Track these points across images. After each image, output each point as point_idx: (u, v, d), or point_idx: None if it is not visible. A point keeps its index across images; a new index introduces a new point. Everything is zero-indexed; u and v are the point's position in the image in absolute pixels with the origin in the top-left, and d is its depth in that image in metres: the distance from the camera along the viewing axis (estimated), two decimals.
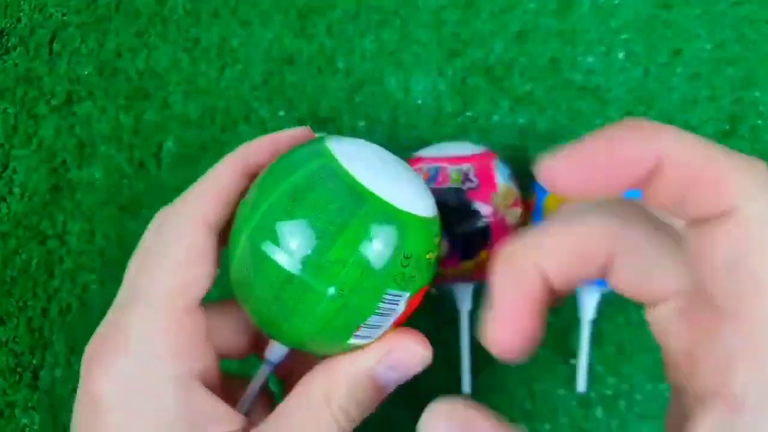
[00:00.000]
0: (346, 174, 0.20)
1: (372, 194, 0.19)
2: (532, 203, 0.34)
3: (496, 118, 0.39)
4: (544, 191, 0.33)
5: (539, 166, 0.16)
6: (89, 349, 0.21)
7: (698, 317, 0.15)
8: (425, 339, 0.21)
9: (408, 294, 0.20)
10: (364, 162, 0.20)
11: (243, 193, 0.22)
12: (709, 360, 0.14)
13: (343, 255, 0.19)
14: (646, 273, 0.16)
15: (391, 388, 0.22)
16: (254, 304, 0.21)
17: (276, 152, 0.23)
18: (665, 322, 0.16)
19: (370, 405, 0.21)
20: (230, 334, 0.25)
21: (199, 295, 0.21)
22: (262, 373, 0.24)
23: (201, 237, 0.21)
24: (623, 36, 0.39)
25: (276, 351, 0.23)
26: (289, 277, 0.19)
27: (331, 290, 0.19)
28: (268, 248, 0.19)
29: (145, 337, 0.20)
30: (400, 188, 0.20)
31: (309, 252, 0.19)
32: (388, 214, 0.20)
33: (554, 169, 0.16)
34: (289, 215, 0.19)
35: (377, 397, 0.21)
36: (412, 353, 0.21)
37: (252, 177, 0.22)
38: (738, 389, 0.13)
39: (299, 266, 0.19)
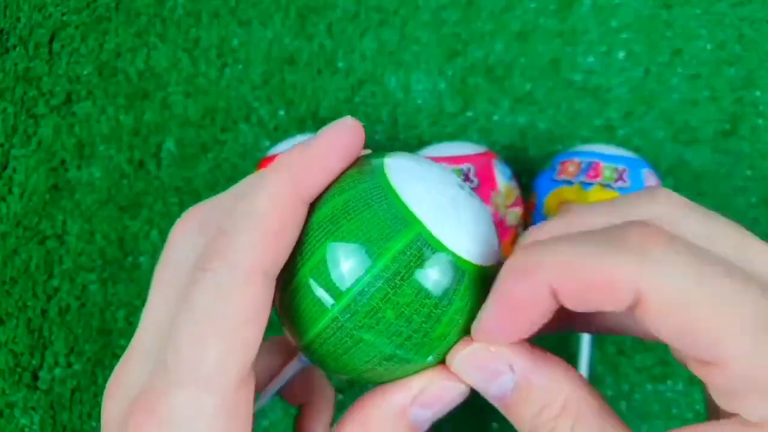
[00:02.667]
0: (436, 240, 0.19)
1: (467, 262, 0.19)
2: (532, 203, 0.34)
3: (496, 117, 0.39)
4: (544, 191, 0.33)
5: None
6: (129, 418, 0.18)
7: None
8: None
9: None
10: (438, 209, 0.19)
11: (299, 224, 0.19)
12: None
13: (447, 330, 0.19)
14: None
15: (426, 426, 0.20)
16: (331, 363, 0.20)
17: (328, 172, 0.20)
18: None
19: None
20: (267, 361, 0.23)
21: (253, 357, 0.19)
22: (290, 369, 0.23)
23: (259, 291, 0.18)
24: (623, 36, 0.39)
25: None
26: (388, 356, 0.19)
27: (430, 359, 0.19)
28: (362, 333, 0.19)
29: (193, 419, 0.18)
30: (476, 237, 0.19)
31: (412, 334, 0.19)
32: (483, 276, 0.19)
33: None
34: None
35: None
36: (447, 389, 0.20)
37: (306, 204, 0.20)
38: None
39: (398, 350, 0.19)
